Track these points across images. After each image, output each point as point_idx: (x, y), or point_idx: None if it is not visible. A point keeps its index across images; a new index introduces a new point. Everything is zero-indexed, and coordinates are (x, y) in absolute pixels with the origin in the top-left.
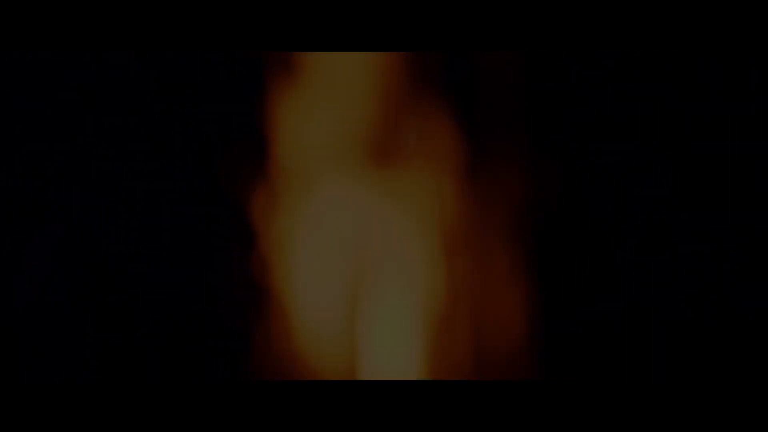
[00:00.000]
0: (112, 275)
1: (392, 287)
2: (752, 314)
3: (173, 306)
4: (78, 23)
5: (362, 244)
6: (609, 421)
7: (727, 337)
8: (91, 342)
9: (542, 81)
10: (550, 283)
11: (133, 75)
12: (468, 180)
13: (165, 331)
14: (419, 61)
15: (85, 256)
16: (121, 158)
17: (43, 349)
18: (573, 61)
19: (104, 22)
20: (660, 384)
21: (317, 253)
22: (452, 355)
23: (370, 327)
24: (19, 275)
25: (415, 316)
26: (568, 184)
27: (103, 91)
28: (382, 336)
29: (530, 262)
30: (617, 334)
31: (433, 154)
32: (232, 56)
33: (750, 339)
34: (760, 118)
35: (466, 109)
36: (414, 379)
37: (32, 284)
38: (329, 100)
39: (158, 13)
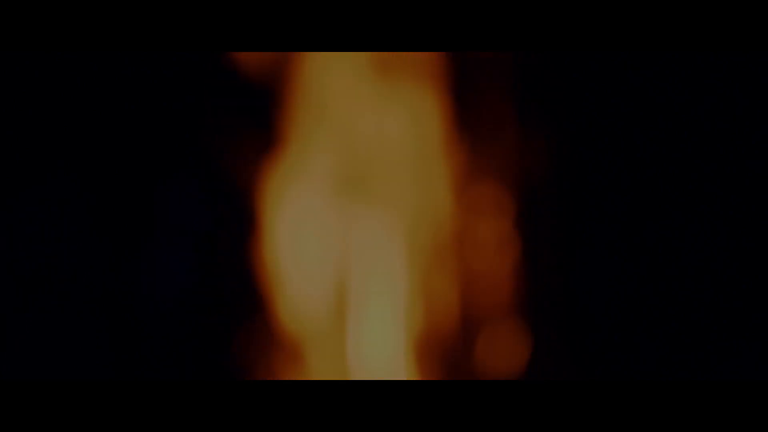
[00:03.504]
0: (107, 270)
1: (379, 262)
2: (752, 314)
3: (168, 303)
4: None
5: (352, 221)
6: (605, 417)
7: (726, 336)
8: (86, 339)
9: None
10: (537, 256)
11: (131, 72)
12: (455, 153)
13: (159, 330)
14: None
15: (78, 251)
16: (112, 154)
17: (36, 346)
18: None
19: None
20: (655, 377)
21: (307, 235)
22: (439, 326)
23: (360, 304)
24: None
25: (402, 289)
26: (556, 156)
27: (95, 88)
28: (371, 311)
29: (517, 234)
30: (601, 313)
31: (420, 127)
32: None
33: (750, 338)
34: (760, 118)
35: (453, 82)
36: (402, 356)
37: (18, 279)
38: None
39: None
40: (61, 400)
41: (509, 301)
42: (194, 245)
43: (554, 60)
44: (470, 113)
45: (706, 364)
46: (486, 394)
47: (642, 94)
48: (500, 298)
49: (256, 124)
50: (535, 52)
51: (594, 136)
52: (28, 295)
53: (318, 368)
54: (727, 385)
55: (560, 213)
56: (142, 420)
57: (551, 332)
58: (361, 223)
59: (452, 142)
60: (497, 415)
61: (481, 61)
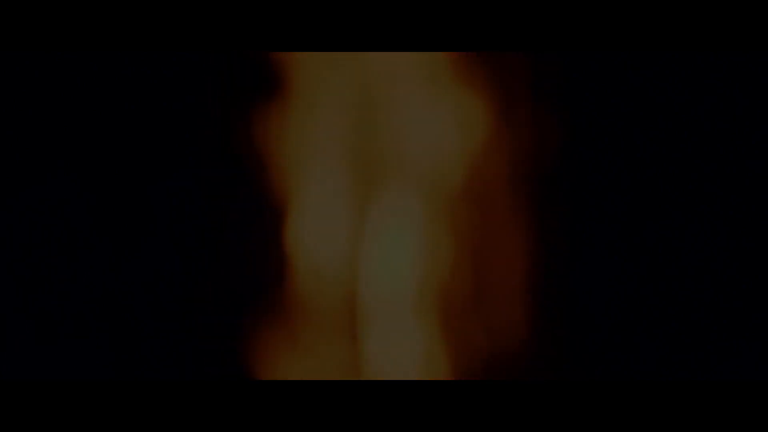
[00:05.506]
0: (107, 270)
1: (394, 237)
2: (752, 314)
3: (169, 303)
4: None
5: (364, 195)
6: (605, 414)
7: (726, 336)
8: (86, 339)
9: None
10: (550, 235)
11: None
12: (470, 130)
13: (159, 330)
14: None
15: (75, 246)
16: (112, 154)
17: (36, 346)
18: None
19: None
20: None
21: (321, 204)
22: (453, 303)
23: (372, 277)
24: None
25: (417, 266)
26: (569, 135)
27: (95, 88)
28: (384, 284)
29: (531, 212)
30: (601, 313)
31: (434, 104)
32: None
33: (750, 338)
34: (760, 118)
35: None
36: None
37: (17, 275)
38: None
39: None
40: (61, 400)
41: (522, 280)
42: (194, 245)
43: (567, 57)
44: (486, 95)
45: (706, 364)
46: (486, 394)
47: (645, 93)
48: (514, 277)
49: (260, 123)
50: (551, 53)
51: (594, 136)
52: (28, 295)
53: (328, 365)
54: (727, 385)
55: (559, 215)
56: (141, 420)
57: (551, 332)
58: (375, 211)
59: (468, 120)
60: (498, 415)
61: (495, 57)
